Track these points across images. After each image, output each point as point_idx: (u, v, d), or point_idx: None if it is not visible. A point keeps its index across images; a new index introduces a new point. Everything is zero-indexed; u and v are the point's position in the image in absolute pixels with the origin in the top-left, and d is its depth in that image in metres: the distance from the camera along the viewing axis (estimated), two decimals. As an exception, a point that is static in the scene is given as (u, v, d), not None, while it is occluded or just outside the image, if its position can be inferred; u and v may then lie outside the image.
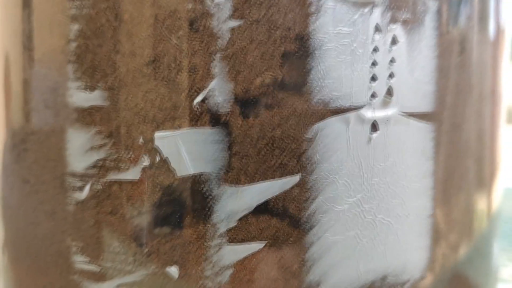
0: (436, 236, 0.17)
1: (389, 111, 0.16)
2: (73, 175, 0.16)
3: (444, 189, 0.17)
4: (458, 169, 0.18)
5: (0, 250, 0.20)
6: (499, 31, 0.19)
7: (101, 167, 0.16)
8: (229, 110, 0.15)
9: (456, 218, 0.18)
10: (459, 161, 0.18)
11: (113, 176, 0.16)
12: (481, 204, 0.19)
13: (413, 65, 0.16)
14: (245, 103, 0.15)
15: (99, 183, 0.16)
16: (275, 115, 0.15)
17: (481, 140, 0.19)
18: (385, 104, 0.16)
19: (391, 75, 0.16)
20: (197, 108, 0.15)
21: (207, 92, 0.15)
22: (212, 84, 0.15)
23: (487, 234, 0.20)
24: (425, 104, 0.16)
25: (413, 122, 0.16)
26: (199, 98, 0.15)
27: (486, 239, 0.20)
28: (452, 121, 0.17)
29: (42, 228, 0.17)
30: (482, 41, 0.18)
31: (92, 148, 0.16)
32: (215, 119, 0.15)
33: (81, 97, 0.16)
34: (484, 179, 0.19)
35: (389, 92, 0.16)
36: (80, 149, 0.16)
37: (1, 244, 0.20)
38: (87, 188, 0.16)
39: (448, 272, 0.18)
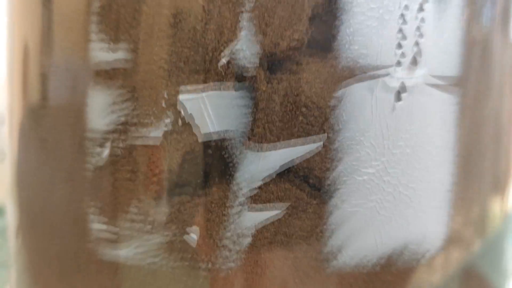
0: (455, 210, 0.17)
1: (417, 73, 0.16)
2: (93, 137, 0.16)
3: (466, 161, 0.17)
4: (479, 141, 0.17)
5: (14, 234, 0.19)
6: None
7: (121, 129, 0.16)
8: (254, 73, 0.15)
9: (473, 197, 0.18)
10: (481, 132, 0.17)
11: (134, 138, 0.16)
12: (495, 203, 0.19)
13: (441, 26, 0.16)
14: (270, 66, 0.15)
15: (119, 145, 0.16)
16: (300, 80, 0.15)
17: (498, 125, 0.19)
18: (410, 72, 0.16)
19: (420, 36, 0.16)
20: (222, 70, 0.15)
21: (233, 54, 0.15)
22: (238, 46, 0.15)
23: (500, 232, 0.20)
24: (452, 67, 0.16)
25: (437, 92, 0.16)
26: (224, 60, 0.15)
27: (500, 237, 0.20)
28: (476, 88, 0.17)
29: (59, 193, 0.17)
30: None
31: (113, 109, 0.16)
32: (240, 82, 0.15)
33: (103, 56, 0.16)
34: (499, 179, 0.19)
35: (418, 52, 0.16)
36: (100, 111, 0.16)
37: (15, 228, 0.19)
38: (106, 151, 0.16)
39: (461, 268, 0.18)
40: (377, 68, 0.15)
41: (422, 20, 0.15)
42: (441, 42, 0.16)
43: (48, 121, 0.17)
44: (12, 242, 0.20)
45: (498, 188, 0.19)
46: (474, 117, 0.17)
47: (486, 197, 0.18)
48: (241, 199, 0.15)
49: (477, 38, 0.17)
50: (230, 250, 0.15)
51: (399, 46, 0.15)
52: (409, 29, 0.15)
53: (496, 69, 0.18)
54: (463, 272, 0.18)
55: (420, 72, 0.16)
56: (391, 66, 0.15)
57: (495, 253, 0.20)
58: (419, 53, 0.16)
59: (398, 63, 0.15)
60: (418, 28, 0.15)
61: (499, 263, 0.20)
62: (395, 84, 0.16)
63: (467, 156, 0.17)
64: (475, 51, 0.17)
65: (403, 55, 0.15)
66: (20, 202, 0.19)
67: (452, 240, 0.17)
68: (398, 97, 0.16)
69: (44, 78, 0.17)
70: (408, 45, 0.15)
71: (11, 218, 0.20)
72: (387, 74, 0.15)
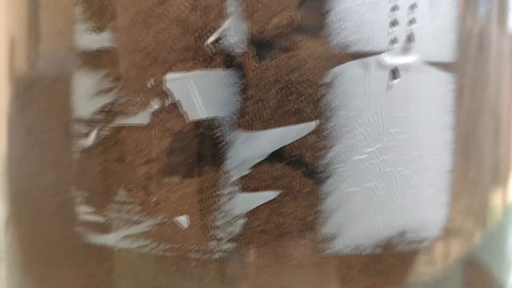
0: (455, 193, 0.17)
1: (410, 59, 0.15)
2: (79, 121, 0.16)
3: (465, 144, 0.17)
4: (478, 125, 0.17)
5: (4, 228, 0.19)
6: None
7: (108, 112, 0.15)
8: (243, 51, 0.14)
9: (473, 183, 0.17)
10: (480, 117, 0.17)
11: (121, 121, 0.15)
12: (496, 194, 0.19)
13: (434, 12, 0.15)
14: (260, 44, 0.14)
15: (106, 128, 0.15)
16: (291, 58, 0.14)
17: (497, 115, 0.18)
18: (405, 50, 0.15)
19: (412, 21, 0.15)
20: (210, 49, 0.14)
21: (221, 32, 0.14)
22: (226, 23, 0.14)
23: (502, 222, 0.19)
24: (446, 54, 0.16)
25: (433, 71, 0.16)
26: (212, 39, 0.14)
27: (501, 228, 0.19)
28: (474, 75, 0.17)
29: (46, 178, 0.16)
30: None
31: (99, 92, 0.15)
32: (229, 61, 0.14)
33: (89, 39, 0.15)
34: (499, 168, 0.19)
35: (410, 38, 0.15)
36: (86, 94, 0.15)
37: (4, 222, 0.19)
38: (93, 135, 0.15)
39: (462, 259, 0.17)
40: (369, 54, 0.15)
41: (414, 4, 0.15)
42: (433, 28, 0.15)
43: (34, 105, 0.17)
44: (2, 237, 0.20)
45: (499, 178, 0.19)
46: (472, 102, 0.17)
47: (486, 186, 0.18)
48: (234, 180, 0.15)
49: (473, 29, 0.16)
50: (223, 232, 0.15)
51: (392, 25, 0.15)
52: (401, 14, 0.15)
53: (494, 59, 0.17)
54: (464, 262, 0.18)
55: (412, 58, 0.15)
56: (383, 51, 0.15)
57: (496, 244, 0.19)
58: (410, 38, 0.15)
59: (390, 50, 0.15)
60: (410, 13, 0.15)
61: (501, 254, 0.20)
62: (391, 62, 0.15)
63: (466, 138, 0.17)
64: (472, 42, 0.16)
65: (394, 41, 0.15)
66: (10, 192, 0.18)
67: (452, 230, 0.17)
68: (394, 75, 0.15)
69: (30, 62, 0.17)
70: (400, 28, 0.15)
71: (1, 212, 0.19)
72: (382, 51, 0.15)
